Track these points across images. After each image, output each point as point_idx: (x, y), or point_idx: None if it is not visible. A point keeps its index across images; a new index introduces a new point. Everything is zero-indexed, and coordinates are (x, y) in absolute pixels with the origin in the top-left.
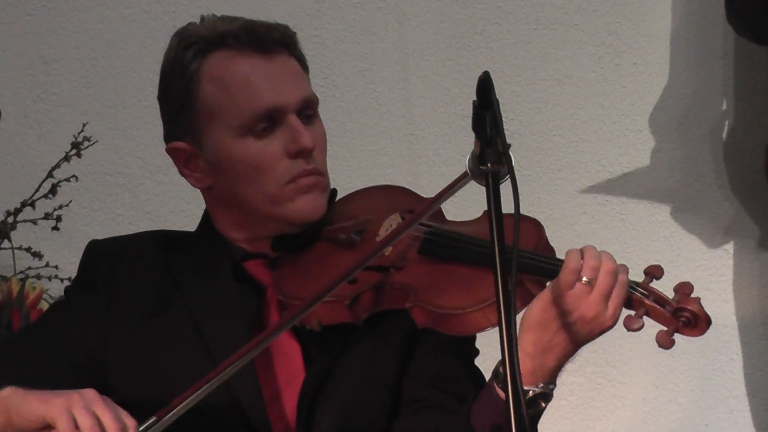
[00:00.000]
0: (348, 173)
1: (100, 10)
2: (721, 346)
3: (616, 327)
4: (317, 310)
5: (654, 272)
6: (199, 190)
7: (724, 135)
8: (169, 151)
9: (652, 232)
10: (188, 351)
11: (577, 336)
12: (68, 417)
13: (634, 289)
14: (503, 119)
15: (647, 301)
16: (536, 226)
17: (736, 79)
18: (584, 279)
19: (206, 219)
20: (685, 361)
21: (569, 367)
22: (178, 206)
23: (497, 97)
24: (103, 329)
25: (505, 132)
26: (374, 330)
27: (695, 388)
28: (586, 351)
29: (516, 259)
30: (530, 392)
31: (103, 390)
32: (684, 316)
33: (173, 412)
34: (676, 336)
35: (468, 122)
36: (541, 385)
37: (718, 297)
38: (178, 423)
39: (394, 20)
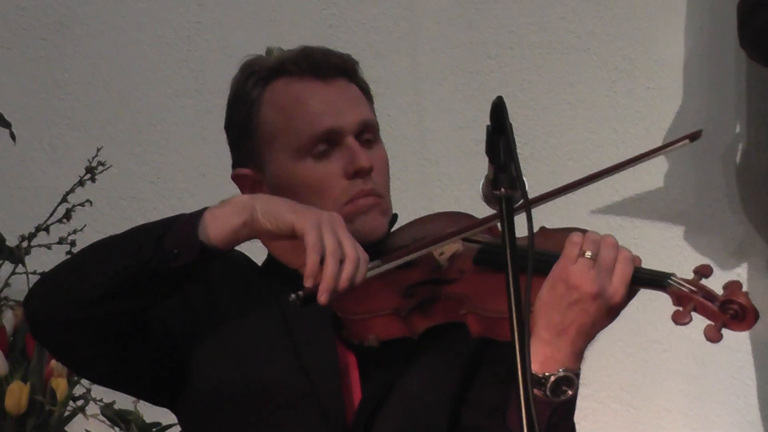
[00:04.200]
0: None
1: (113, 35)
2: (735, 371)
3: (629, 354)
4: (374, 324)
5: (703, 271)
6: None
7: (738, 158)
8: (234, 178)
9: (665, 256)
10: (274, 340)
11: (587, 315)
12: (317, 233)
13: (684, 285)
14: (516, 144)
15: (696, 297)
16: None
17: (749, 102)
18: (587, 254)
19: (270, 259)
20: (698, 386)
21: (583, 391)
22: None
23: (510, 121)
24: (195, 315)
25: (519, 156)
26: (435, 354)
27: (709, 414)
28: (600, 376)
29: (530, 275)
30: (552, 378)
31: (175, 375)
32: (732, 309)
33: (398, 261)
34: (724, 331)
35: (481, 147)
36: (562, 370)
37: None
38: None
39: (408, 45)
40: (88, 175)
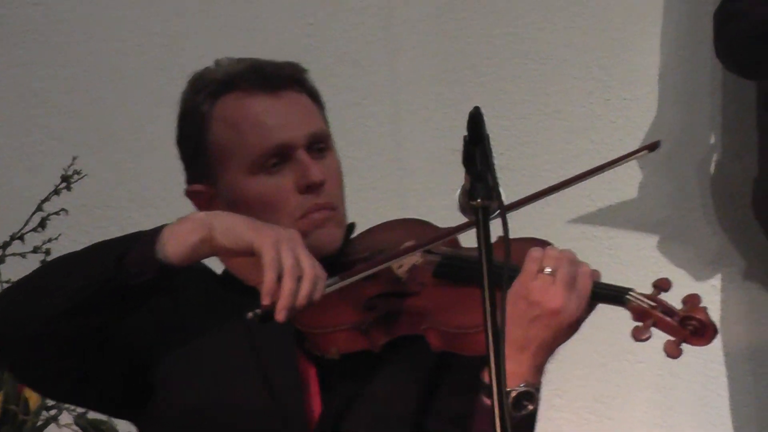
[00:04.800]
0: None
1: (91, 44)
2: (709, 381)
3: (603, 364)
4: (335, 338)
5: (662, 285)
6: None
7: (712, 169)
8: (188, 194)
9: (640, 266)
10: (238, 355)
11: (548, 331)
12: (276, 250)
13: (642, 301)
14: (493, 154)
15: (655, 312)
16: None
17: (724, 113)
18: (546, 269)
19: (226, 273)
20: (671, 397)
21: (557, 402)
22: None
23: (487, 132)
24: (160, 329)
25: (495, 166)
26: (397, 364)
27: (682, 424)
28: (573, 386)
29: (507, 283)
30: (513, 393)
31: (139, 390)
32: (691, 325)
33: (355, 276)
34: (684, 346)
35: (458, 156)
36: (523, 385)
37: None
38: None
39: (385, 54)
40: (64, 184)
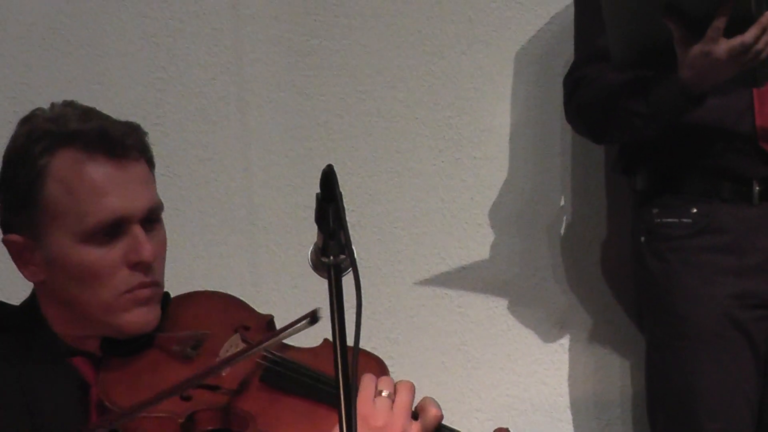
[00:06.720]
0: (187, 263)
1: None
2: None
3: None
4: (144, 424)
5: None
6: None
7: (562, 230)
8: (5, 242)
9: (490, 326)
10: None
11: None
12: None
13: None
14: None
15: None
16: (378, 364)
17: (574, 175)
18: (384, 393)
19: (33, 305)
20: None
21: None
22: None
23: (340, 189)
24: None
25: (347, 224)
26: None
27: None
28: None
29: (356, 353)
30: None
31: None
32: None
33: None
34: None
35: (309, 213)
36: None
37: (554, 391)
38: None
39: (236, 110)
40: None
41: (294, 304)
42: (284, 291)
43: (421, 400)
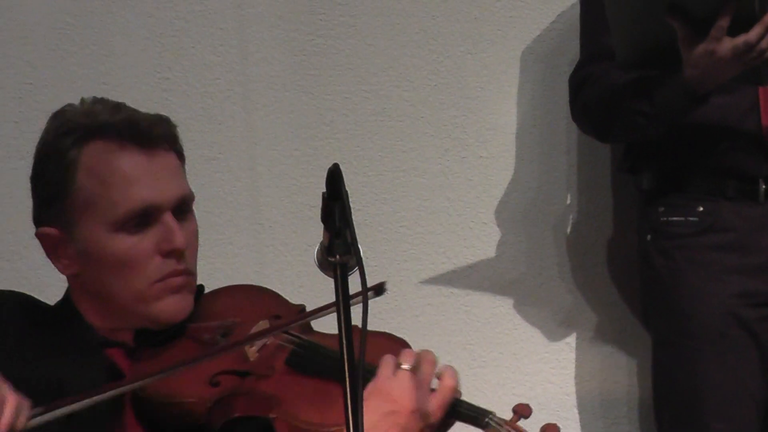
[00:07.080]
0: None
1: None
2: None
3: None
4: (173, 411)
5: (522, 411)
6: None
7: (568, 229)
8: (38, 235)
9: (496, 324)
10: None
11: (398, 429)
12: None
13: (502, 427)
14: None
15: None
16: (403, 346)
17: (580, 174)
18: (404, 366)
19: (68, 300)
20: None
21: None
22: None
23: (346, 188)
24: None
25: (353, 223)
26: None
27: None
28: None
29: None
30: None
31: None
32: None
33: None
34: None
35: (315, 212)
36: None
37: (560, 390)
38: None
39: (242, 109)
40: None
41: (300, 303)
42: (290, 290)
43: (440, 368)
